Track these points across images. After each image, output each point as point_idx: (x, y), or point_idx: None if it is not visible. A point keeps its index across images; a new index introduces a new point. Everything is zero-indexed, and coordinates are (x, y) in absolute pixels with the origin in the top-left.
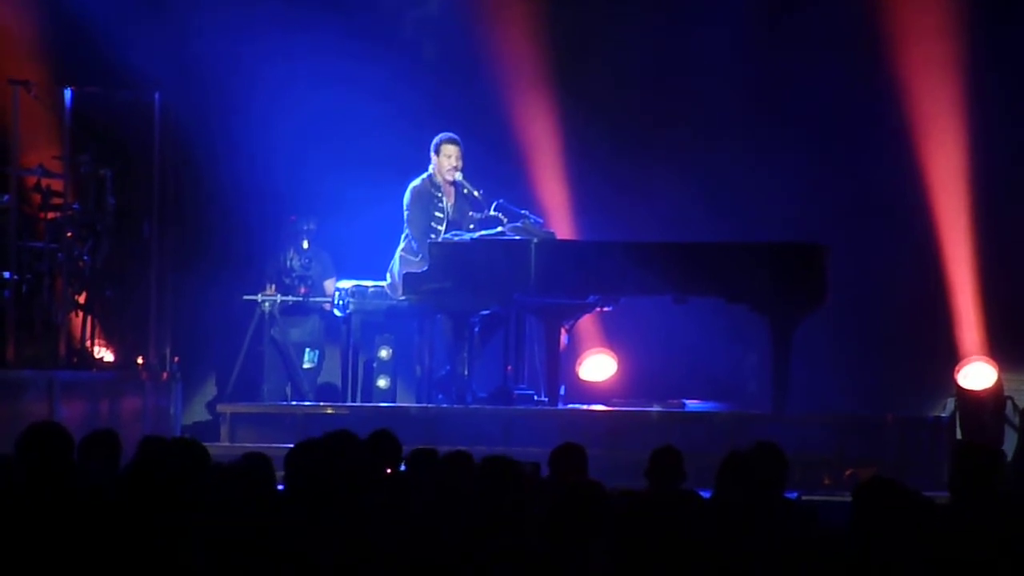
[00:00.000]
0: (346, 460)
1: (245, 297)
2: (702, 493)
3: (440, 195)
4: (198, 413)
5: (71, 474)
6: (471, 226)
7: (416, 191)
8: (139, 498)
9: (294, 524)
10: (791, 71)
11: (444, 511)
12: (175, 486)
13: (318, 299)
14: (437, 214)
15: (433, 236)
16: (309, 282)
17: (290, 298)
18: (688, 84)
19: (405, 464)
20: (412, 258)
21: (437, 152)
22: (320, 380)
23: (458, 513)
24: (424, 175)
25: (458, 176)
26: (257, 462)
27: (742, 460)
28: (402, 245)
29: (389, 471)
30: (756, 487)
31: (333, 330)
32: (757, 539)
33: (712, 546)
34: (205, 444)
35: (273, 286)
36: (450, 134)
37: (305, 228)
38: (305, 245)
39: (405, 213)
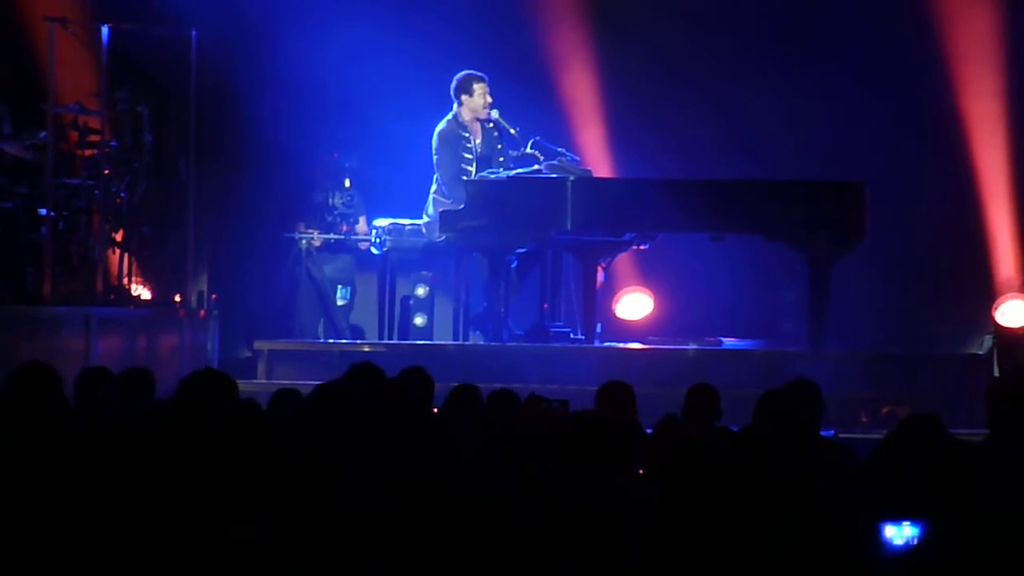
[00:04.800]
0: (373, 395)
1: (288, 235)
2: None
3: (467, 135)
4: (235, 350)
5: (64, 412)
6: (500, 159)
7: (443, 134)
8: (178, 431)
9: (319, 460)
10: (828, 6)
11: (490, 449)
12: (208, 417)
13: (357, 237)
14: (466, 155)
15: (465, 176)
16: (351, 220)
17: (331, 236)
18: (726, 20)
19: (446, 402)
20: (445, 200)
21: (469, 92)
22: (353, 317)
23: (503, 451)
24: (448, 117)
25: (494, 113)
26: (287, 398)
27: (778, 397)
28: (434, 187)
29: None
30: (792, 424)
31: (364, 267)
32: (794, 476)
33: (748, 483)
34: (242, 381)
35: (303, 224)
36: (474, 72)
37: (347, 166)
38: (347, 183)
39: (435, 157)
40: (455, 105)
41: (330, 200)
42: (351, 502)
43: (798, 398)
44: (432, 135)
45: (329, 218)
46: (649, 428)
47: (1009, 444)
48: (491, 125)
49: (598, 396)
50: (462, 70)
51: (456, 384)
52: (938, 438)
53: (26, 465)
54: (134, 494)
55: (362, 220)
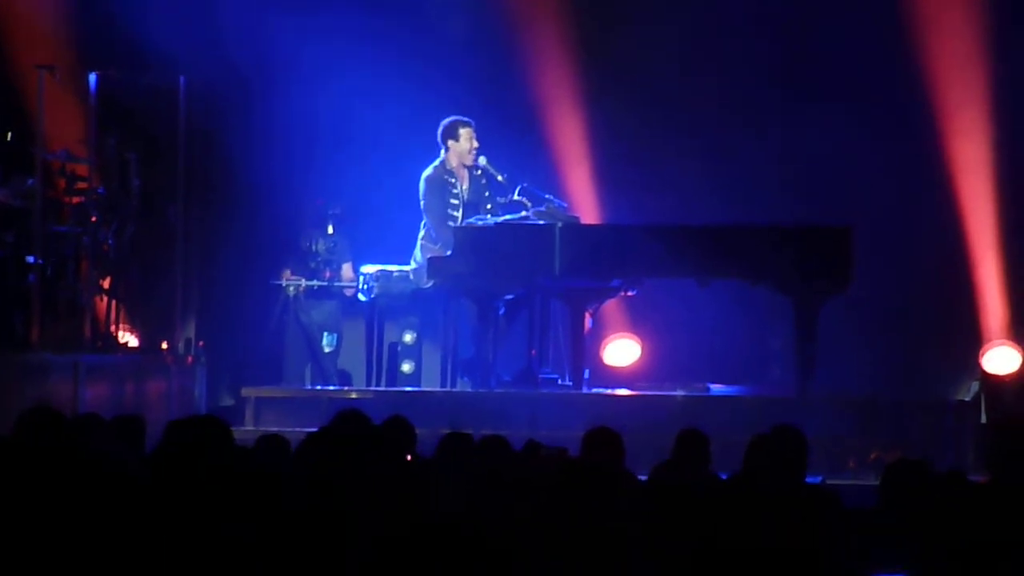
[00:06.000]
0: (359, 444)
1: (274, 281)
2: (726, 478)
3: (454, 180)
4: (223, 397)
5: (69, 455)
6: (488, 206)
7: (430, 180)
8: (167, 478)
9: (309, 506)
10: (816, 50)
11: (480, 497)
12: (198, 464)
13: (341, 284)
14: (453, 200)
15: (451, 222)
16: (334, 266)
17: (315, 282)
18: (713, 66)
19: (438, 450)
20: (432, 246)
21: (455, 137)
22: (340, 363)
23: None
24: (436, 162)
25: (482, 160)
26: (273, 444)
27: (764, 444)
28: (422, 233)
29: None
30: (777, 470)
31: (350, 313)
32: (782, 522)
33: (736, 529)
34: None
35: (289, 271)
36: (461, 117)
37: (330, 212)
38: (330, 229)
39: (421, 203)
40: (442, 151)
41: (313, 246)
42: (342, 540)
43: (784, 444)
44: (419, 180)
45: (312, 264)
46: (638, 474)
47: (1010, 487)
48: (479, 172)
49: (584, 442)
50: (453, 114)
51: (447, 431)
52: (925, 482)
53: (33, 506)
54: (130, 534)
55: (347, 266)
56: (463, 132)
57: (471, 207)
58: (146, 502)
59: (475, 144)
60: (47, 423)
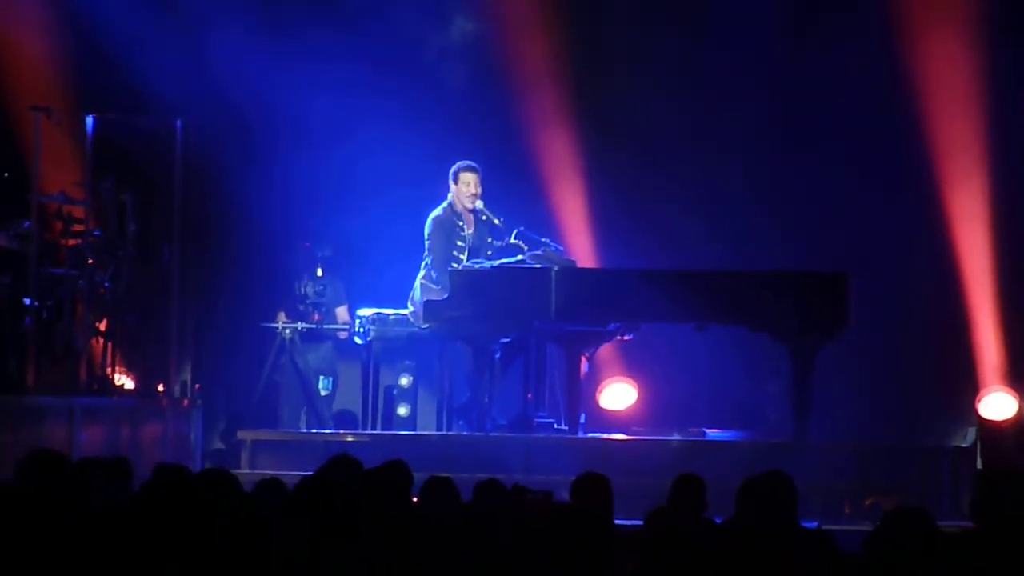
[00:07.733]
0: (350, 490)
1: (266, 324)
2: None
3: (461, 223)
4: (219, 440)
5: (71, 499)
6: (489, 253)
7: (437, 220)
8: (151, 521)
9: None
10: (812, 98)
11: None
12: (193, 512)
13: (332, 326)
14: (458, 242)
15: (454, 264)
16: (323, 309)
17: (303, 325)
18: (709, 113)
19: (420, 493)
20: (432, 286)
21: (456, 180)
22: (336, 406)
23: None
24: (444, 204)
25: (478, 204)
26: (270, 488)
27: (753, 489)
28: (422, 273)
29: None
30: (768, 515)
31: (346, 357)
32: (778, 568)
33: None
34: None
35: (283, 313)
36: (468, 162)
37: (320, 255)
38: (319, 272)
39: (426, 242)
40: (450, 193)
41: (302, 289)
42: None
43: (772, 487)
44: (426, 219)
45: (301, 307)
46: (634, 519)
47: (995, 535)
48: (485, 218)
49: (573, 488)
50: (449, 159)
51: (430, 475)
52: (926, 531)
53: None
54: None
55: (341, 309)
56: (463, 176)
57: (474, 252)
58: (144, 544)
59: (475, 190)
60: (49, 467)
